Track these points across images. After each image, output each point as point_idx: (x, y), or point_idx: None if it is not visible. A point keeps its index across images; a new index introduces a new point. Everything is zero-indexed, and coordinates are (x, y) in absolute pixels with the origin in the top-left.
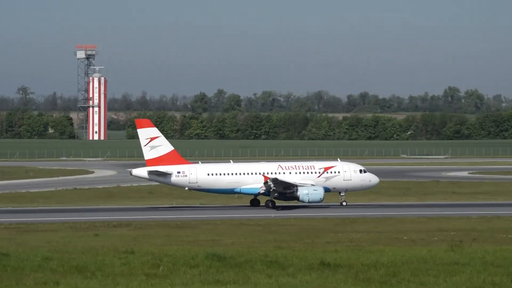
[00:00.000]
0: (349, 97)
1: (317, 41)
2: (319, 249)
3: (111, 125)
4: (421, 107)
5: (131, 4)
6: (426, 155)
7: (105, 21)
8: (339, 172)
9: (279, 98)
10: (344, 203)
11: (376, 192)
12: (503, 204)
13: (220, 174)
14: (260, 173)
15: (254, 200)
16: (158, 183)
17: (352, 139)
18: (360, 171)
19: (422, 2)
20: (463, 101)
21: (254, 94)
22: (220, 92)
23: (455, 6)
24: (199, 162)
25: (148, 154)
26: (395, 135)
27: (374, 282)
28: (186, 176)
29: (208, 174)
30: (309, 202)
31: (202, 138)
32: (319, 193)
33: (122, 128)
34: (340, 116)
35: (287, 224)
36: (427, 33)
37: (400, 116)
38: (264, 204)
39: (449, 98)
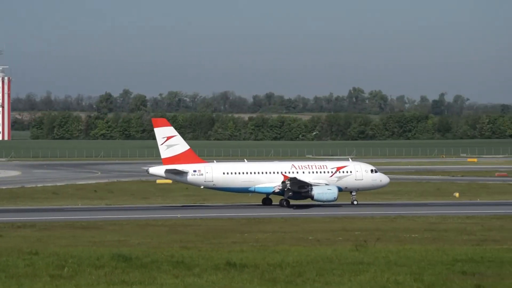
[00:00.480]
0: (255, 97)
1: (223, 42)
2: (225, 249)
3: (15, 125)
4: (326, 108)
5: (36, 3)
6: (331, 155)
7: (9, 20)
8: (351, 172)
9: (185, 98)
10: (355, 202)
11: None
12: (406, 204)
13: (236, 173)
14: (274, 172)
15: (266, 199)
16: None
17: (258, 140)
18: (372, 171)
19: (322, 6)
20: (367, 102)
21: (160, 95)
22: (126, 92)
23: (356, 7)
24: (214, 161)
25: (164, 153)
26: (300, 136)
27: (280, 281)
28: (202, 174)
29: (224, 173)
30: (323, 201)
31: (108, 139)
32: (333, 193)
33: (26, 128)
34: (246, 116)
35: (194, 224)
36: (331, 36)
37: (306, 117)
38: (278, 203)
39: (354, 99)
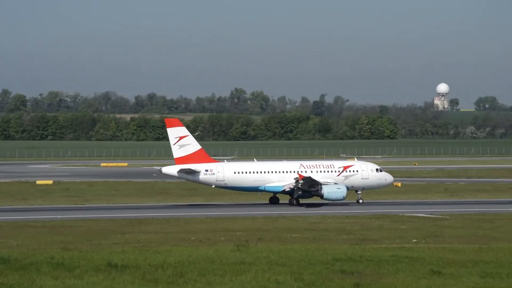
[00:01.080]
0: (136, 97)
1: (103, 41)
2: (106, 250)
3: None
4: (208, 108)
5: None
6: (213, 155)
7: None
8: (357, 171)
9: (66, 98)
10: (360, 201)
11: (165, 192)
12: (286, 203)
13: (246, 173)
14: (284, 172)
15: (273, 198)
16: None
17: (140, 140)
18: (377, 170)
19: (203, 8)
20: (249, 102)
21: (40, 95)
22: (5, 92)
23: (234, 11)
24: (225, 160)
25: (177, 152)
26: None
27: (161, 282)
28: (213, 174)
29: (235, 173)
30: (332, 200)
31: None
32: (342, 191)
33: None
34: (128, 117)
35: (74, 225)
36: (212, 37)
37: (188, 117)
38: (288, 202)
39: (236, 100)
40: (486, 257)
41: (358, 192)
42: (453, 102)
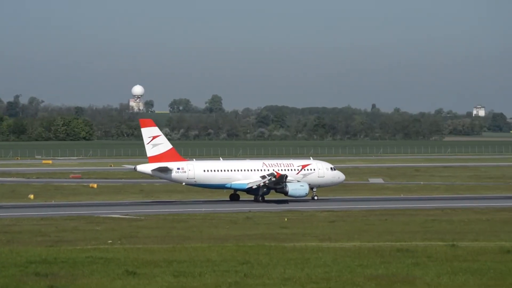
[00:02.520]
0: None
1: None
2: None
3: None
4: None
5: None
6: None
7: None
8: (314, 170)
9: None
10: (315, 198)
11: None
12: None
13: (215, 171)
14: (248, 170)
15: (234, 195)
16: None
17: None
18: (331, 168)
19: None
20: None
21: None
22: None
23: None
24: (194, 159)
25: (150, 151)
26: None
27: None
28: (185, 172)
29: (204, 171)
30: (296, 196)
31: None
32: (305, 189)
33: None
34: None
35: None
36: None
37: None
38: (253, 199)
39: None
40: (180, 256)
41: (314, 190)
42: (148, 104)
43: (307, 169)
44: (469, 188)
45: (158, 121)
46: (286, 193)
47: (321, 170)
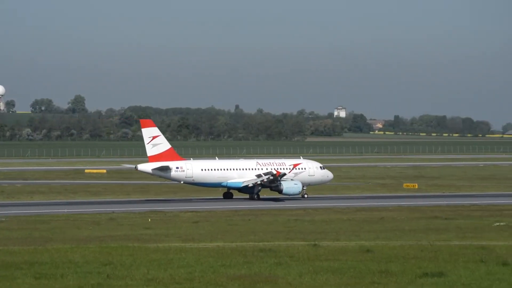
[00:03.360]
0: None
1: None
2: None
3: None
4: None
5: None
6: None
7: None
8: (305, 169)
9: None
10: (305, 196)
11: None
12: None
13: (212, 170)
14: (244, 169)
15: (227, 193)
16: None
17: None
18: (321, 167)
19: None
20: None
21: None
22: None
23: None
24: (191, 158)
25: (150, 151)
26: None
27: None
28: (183, 171)
29: (202, 170)
30: (290, 194)
31: None
32: (298, 187)
33: None
34: None
35: None
36: None
37: None
38: (248, 197)
39: None
40: (42, 258)
41: (304, 188)
42: (9, 104)
43: (299, 168)
44: (331, 188)
45: (20, 121)
46: (280, 191)
47: (311, 169)
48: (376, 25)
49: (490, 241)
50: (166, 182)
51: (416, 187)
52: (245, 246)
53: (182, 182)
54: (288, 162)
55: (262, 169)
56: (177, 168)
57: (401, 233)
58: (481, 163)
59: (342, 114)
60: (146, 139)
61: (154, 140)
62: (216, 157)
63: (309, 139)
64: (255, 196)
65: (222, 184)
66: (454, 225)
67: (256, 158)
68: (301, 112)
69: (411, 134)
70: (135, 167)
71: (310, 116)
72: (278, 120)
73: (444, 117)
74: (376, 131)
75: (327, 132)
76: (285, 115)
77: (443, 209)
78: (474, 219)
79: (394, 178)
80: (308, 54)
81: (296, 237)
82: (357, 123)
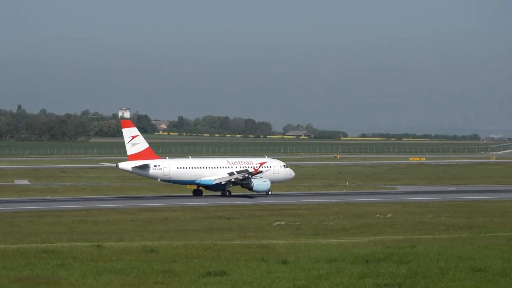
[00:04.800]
0: None
1: None
2: None
3: None
4: None
5: None
6: None
7: None
8: (270, 167)
9: None
10: (270, 193)
11: None
12: None
13: (187, 168)
14: (215, 167)
15: (197, 191)
16: None
17: None
18: (284, 166)
19: None
20: None
21: None
22: None
23: None
24: (167, 157)
25: (130, 150)
26: None
27: None
28: (161, 169)
29: (178, 168)
30: (259, 191)
31: None
32: (267, 184)
33: None
34: None
35: None
36: None
37: None
38: (220, 194)
39: None
40: None
41: None
42: None
43: (265, 167)
44: (115, 189)
45: None
46: (251, 188)
47: (276, 168)
48: (157, 30)
49: (270, 240)
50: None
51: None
52: (27, 248)
53: (159, 180)
54: (255, 161)
55: (232, 167)
56: (155, 166)
57: (185, 233)
58: None
59: (127, 114)
60: (126, 139)
61: (134, 140)
62: (190, 156)
63: (93, 140)
64: (227, 193)
65: (195, 181)
66: (236, 225)
67: (226, 157)
68: (85, 113)
69: (195, 135)
70: (116, 165)
71: (94, 116)
72: (61, 121)
73: (227, 118)
74: (161, 132)
75: (112, 133)
76: (69, 116)
77: (226, 209)
78: (255, 219)
79: None
80: (93, 53)
81: (80, 238)
82: (142, 124)
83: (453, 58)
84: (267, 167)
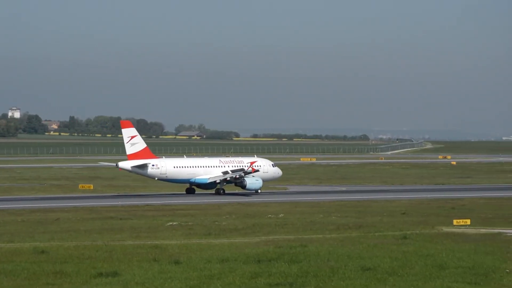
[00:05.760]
0: None
1: None
2: None
3: None
4: None
5: None
6: None
7: None
8: (260, 166)
9: None
10: (259, 191)
11: None
12: None
13: (182, 167)
14: (209, 166)
15: (190, 189)
16: None
17: None
18: (272, 165)
19: None
20: None
21: None
22: None
23: None
24: (163, 157)
25: (129, 149)
26: None
27: None
28: (158, 168)
29: (174, 167)
30: (252, 189)
31: None
32: (260, 183)
33: None
34: None
35: None
36: None
37: None
38: (214, 192)
39: None
40: None
41: None
42: None
43: (255, 166)
44: (4, 190)
45: None
46: (244, 187)
47: (265, 167)
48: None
49: (163, 240)
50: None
51: (92, 188)
52: None
53: (156, 179)
54: (246, 160)
55: (223, 166)
56: (153, 165)
57: (77, 233)
58: None
59: (17, 114)
60: (125, 139)
61: (133, 140)
62: (184, 156)
63: None
64: (221, 191)
65: (190, 180)
66: (129, 225)
67: (219, 157)
68: None
69: (87, 135)
70: (116, 164)
71: None
72: None
73: (119, 118)
74: (52, 132)
75: (1, 133)
76: None
77: (119, 210)
78: (148, 219)
79: (69, 179)
80: None
81: None
82: (32, 124)
83: (341, 60)
84: (257, 166)
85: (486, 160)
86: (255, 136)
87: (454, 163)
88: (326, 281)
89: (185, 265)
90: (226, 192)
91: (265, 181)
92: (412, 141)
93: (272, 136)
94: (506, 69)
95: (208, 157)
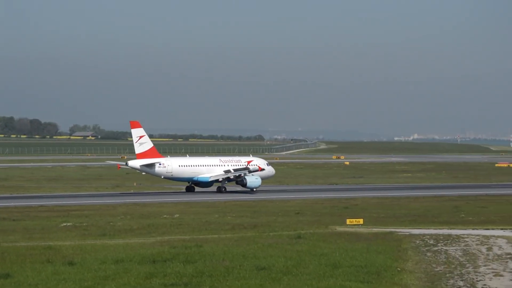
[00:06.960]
0: None
1: None
2: None
3: None
4: None
5: None
6: None
7: None
8: (256, 165)
9: None
10: (254, 189)
11: None
12: None
13: (187, 166)
14: (211, 165)
15: (190, 187)
16: None
17: None
18: (267, 164)
19: None
20: None
21: None
22: None
23: None
24: (168, 156)
25: (138, 149)
26: None
27: None
28: (165, 167)
29: (179, 166)
30: (252, 187)
31: None
32: (259, 181)
33: None
34: None
35: None
36: None
37: None
38: (216, 190)
39: None
40: None
41: None
42: None
43: (252, 165)
44: None
45: None
46: (244, 185)
47: (261, 166)
48: None
49: (57, 241)
50: None
51: None
52: None
53: (162, 177)
54: (243, 159)
55: (225, 165)
56: (160, 164)
57: None
58: (49, 164)
59: None
60: (134, 138)
61: (141, 140)
62: (187, 155)
63: None
64: (223, 189)
65: (193, 178)
66: (22, 226)
67: (219, 156)
68: None
69: None
70: (126, 163)
71: None
72: None
73: (12, 118)
74: None
75: None
76: None
77: (11, 210)
78: (41, 220)
79: None
80: None
81: None
82: None
83: (235, 62)
84: (254, 165)
85: (378, 160)
86: (150, 136)
87: (348, 163)
88: (221, 280)
89: (79, 266)
90: (227, 189)
91: (262, 179)
92: (307, 142)
93: (167, 136)
94: (398, 70)
95: (209, 156)
